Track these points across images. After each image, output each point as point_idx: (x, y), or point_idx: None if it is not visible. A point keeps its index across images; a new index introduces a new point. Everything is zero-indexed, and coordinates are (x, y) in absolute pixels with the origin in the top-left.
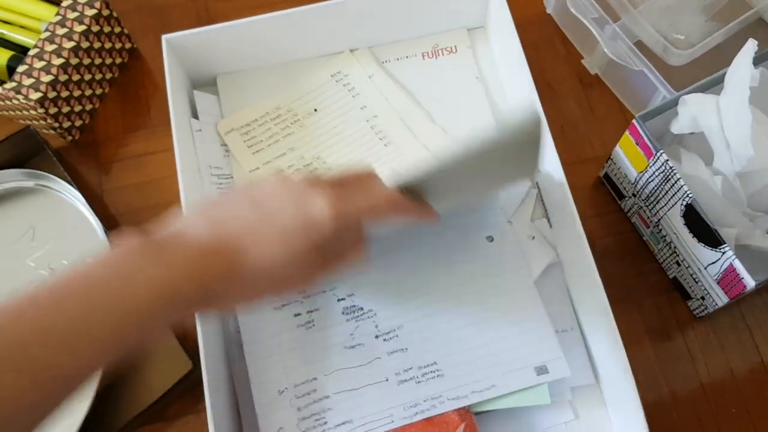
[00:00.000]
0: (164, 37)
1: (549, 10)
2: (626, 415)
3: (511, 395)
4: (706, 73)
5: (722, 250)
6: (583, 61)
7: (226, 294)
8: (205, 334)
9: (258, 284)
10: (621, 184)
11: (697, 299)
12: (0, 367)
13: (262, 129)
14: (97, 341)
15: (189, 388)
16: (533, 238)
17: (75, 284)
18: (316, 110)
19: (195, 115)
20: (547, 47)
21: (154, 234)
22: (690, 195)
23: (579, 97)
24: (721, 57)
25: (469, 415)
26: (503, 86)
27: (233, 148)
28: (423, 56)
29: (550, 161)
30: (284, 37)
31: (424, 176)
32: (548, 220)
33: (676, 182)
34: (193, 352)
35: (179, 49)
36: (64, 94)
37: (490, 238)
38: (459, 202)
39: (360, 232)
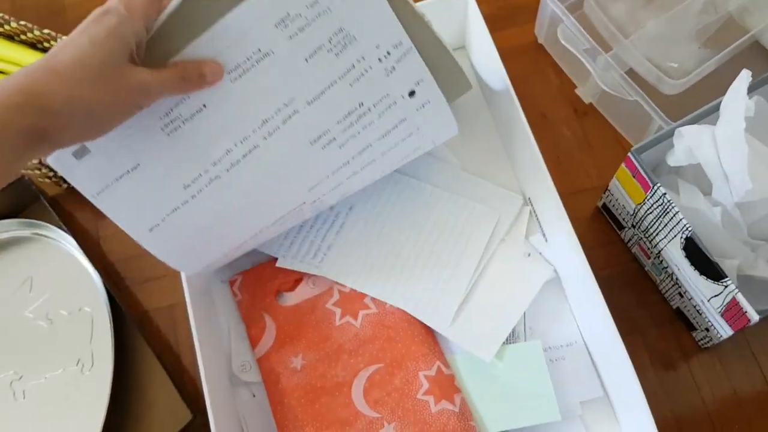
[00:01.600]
0: None
1: (540, 41)
2: (638, 426)
3: (521, 413)
4: (702, 100)
5: (724, 284)
6: (576, 90)
7: (55, 92)
8: (209, 381)
9: (76, 76)
10: (620, 215)
11: (702, 330)
12: None
13: None
14: None
15: None
16: (529, 255)
17: None
18: None
19: None
20: (540, 77)
21: None
22: (689, 228)
23: (574, 127)
24: (717, 83)
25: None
26: (499, 107)
27: None
28: None
29: (538, 171)
30: None
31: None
32: (543, 235)
33: (674, 215)
34: (192, 396)
35: None
36: None
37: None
38: None
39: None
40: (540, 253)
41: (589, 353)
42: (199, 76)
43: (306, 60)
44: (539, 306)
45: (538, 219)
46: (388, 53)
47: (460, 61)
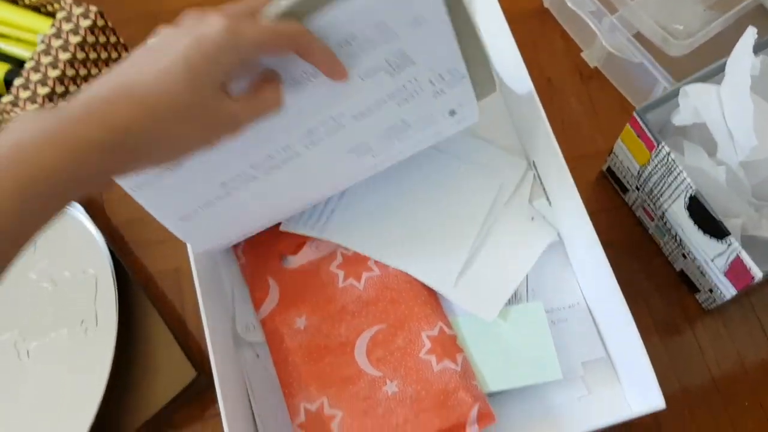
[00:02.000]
0: None
1: (546, 5)
2: (641, 386)
3: (522, 372)
4: (707, 62)
5: (728, 242)
6: (582, 54)
7: (141, 131)
8: (214, 341)
9: (167, 112)
10: (624, 177)
11: (705, 292)
12: None
13: None
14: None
15: (195, 395)
16: (533, 219)
17: None
18: None
19: None
20: (546, 42)
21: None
22: (693, 187)
23: (579, 92)
24: (722, 46)
25: (482, 395)
26: (506, 72)
27: None
28: None
29: (543, 135)
30: None
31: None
32: (547, 198)
33: (678, 174)
34: (197, 359)
35: None
36: None
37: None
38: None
39: (257, 66)
40: (544, 217)
41: (592, 315)
42: (275, 102)
43: (361, 78)
44: (542, 269)
45: (542, 183)
46: (441, 77)
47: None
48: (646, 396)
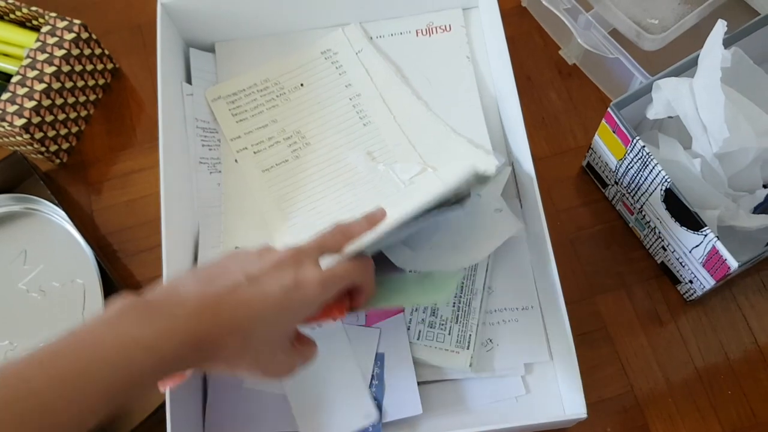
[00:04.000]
0: (160, 2)
1: (524, 3)
2: (570, 389)
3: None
4: (684, 55)
5: (704, 233)
6: (560, 51)
7: (220, 352)
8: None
9: (250, 342)
10: (603, 172)
11: (686, 283)
12: None
13: (248, 99)
14: (88, 400)
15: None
16: (500, 210)
17: (68, 346)
18: (302, 85)
19: (188, 81)
20: (525, 40)
21: (147, 295)
22: (668, 180)
23: (558, 88)
24: (699, 38)
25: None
26: (491, 68)
27: (218, 115)
28: (417, 33)
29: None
30: (282, 5)
31: (378, 240)
32: (520, 201)
33: (654, 168)
34: None
35: (176, 14)
36: (49, 118)
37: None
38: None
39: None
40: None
41: (543, 319)
42: (314, 355)
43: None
44: (503, 267)
45: (517, 184)
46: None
47: None
48: (573, 402)
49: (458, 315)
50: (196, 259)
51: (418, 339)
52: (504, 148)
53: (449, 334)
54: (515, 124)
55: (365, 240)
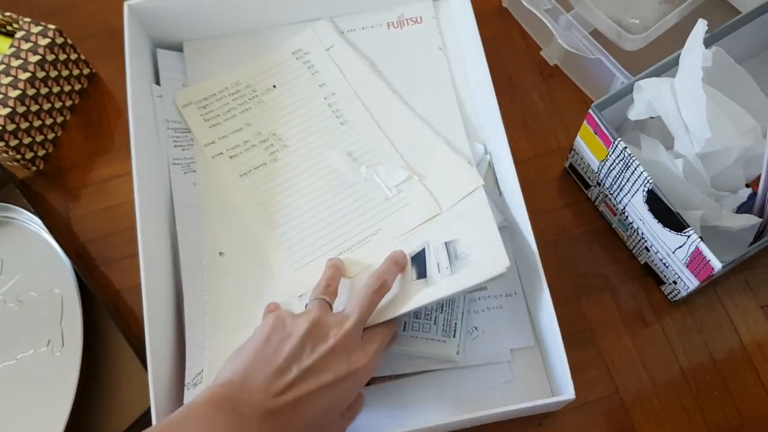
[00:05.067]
0: (126, 4)
1: (505, 4)
2: (558, 375)
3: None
4: (666, 55)
5: (687, 234)
6: (541, 52)
7: None
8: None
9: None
10: (585, 173)
11: (670, 284)
12: None
13: (220, 103)
14: None
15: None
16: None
17: None
18: (275, 86)
19: (157, 82)
20: (506, 41)
21: (221, 389)
22: (650, 181)
23: (540, 89)
24: (681, 38)
25: None
26: (464, 58)
27: (190, 121)
28: (388, 26)
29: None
30: (251, 1)
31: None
32: (498, 188)
33: (636, 169)
34: None
35: (143, 15)
36: (24, 125)
37: None
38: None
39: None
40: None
41: (527, 304)
42: (361, 408)
43: None
44: None
45: (495, 172)
46: None
47: None
48: (563, 385)
49: (443, 304)
50: (176, 261)
51: (404, 330)
52: (480, 137)
53: (435, 323)
54: (491, 113)
55: (400, 310)
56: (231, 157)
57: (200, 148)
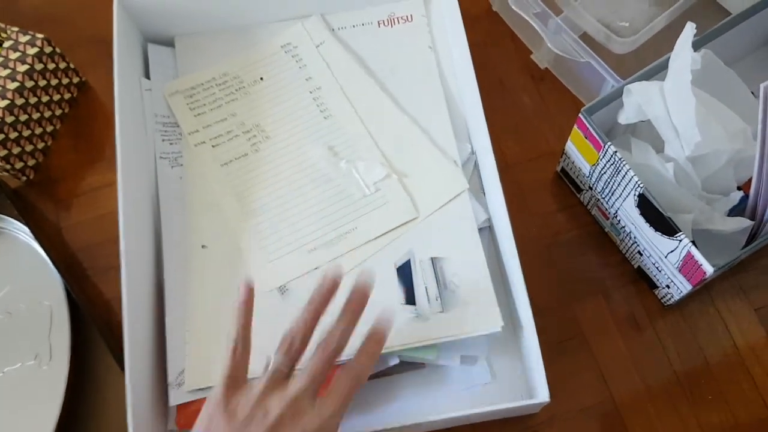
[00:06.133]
0: None
1: (495, 8)
2: (534, 377)
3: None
4: (657, 58)
5: (678, 238)
6: (532, 56)
7: None
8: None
9: None
10: (577, 177)
11: (663, 288)
12: None
13: (207, 93)
14: None
15: None
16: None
17: None
18: (262, 79)
19: (148, 77)
20: (496, 44)
21: None
22: (641, 185)
23: (531, 92)
24: (671, 40)
25: None
26: (453, 57)
27: (176, 110)
28: (379, 24)
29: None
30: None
31: None
32: (483, 190)
33: (627, 173)
34: None
35: (133, 9)
36: (13, 135)
37: None
38: None
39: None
40: (476, 199)
41: (504, 286)
42: None
43: None
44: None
45: (479, 172)
46: None
47: None
48: (538, 387)
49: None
50: (158, 254)
51: None
52: (467, 137)
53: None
54: (476, 114)
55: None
56: (213, 146)
57: (185, 138)
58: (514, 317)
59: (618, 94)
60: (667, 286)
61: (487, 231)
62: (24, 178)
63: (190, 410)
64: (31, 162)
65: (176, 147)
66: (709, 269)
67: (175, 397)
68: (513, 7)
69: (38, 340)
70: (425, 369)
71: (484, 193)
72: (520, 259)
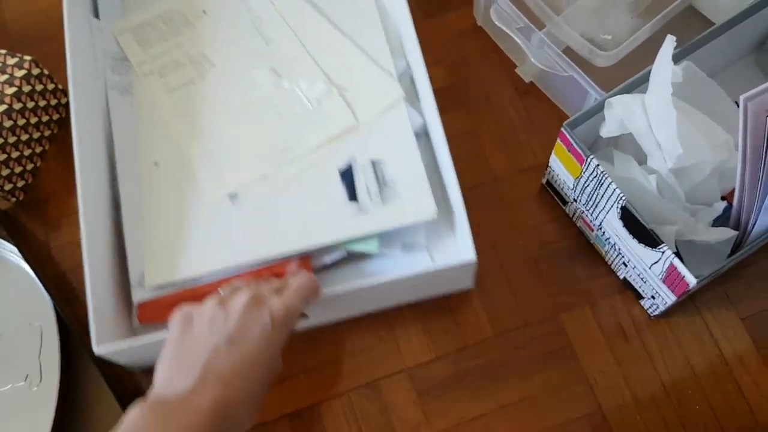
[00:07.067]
0: None
1: (479, 23)
2: (461, 240)
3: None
4: (641, 70)
5: (661, 250)
6: (517, 70)
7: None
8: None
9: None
10: (562, 190)
11: (649, 298)
12: None
13: (153, 28)
14: None
15: None
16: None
17: None
18: (205, 12)
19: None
20: (482, 59)
21: (153, 397)
22: (623, 197)
23: (517, 106)
24: (654, 53)
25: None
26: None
27: (125, 46)
28: None
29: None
30: None
31: None
32: (417, 96)
33: (609, 185)
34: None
35: None
36: (2, 157)
37: None
38: None
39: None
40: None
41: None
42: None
43: None
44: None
45: (415, 87)
46: None
47: None
48: (464, 249)
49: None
50: (113, 174)
51: None
52: (402, 53)
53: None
54: (407, 27)
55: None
56: (161, 75)
57: (134, 69)
58: (448, 206)
59: (600, 108)
60: (653, 297)
61: (423, 138)
62: (13, 199)
63: (149, 306)
64: (20, 183)
65: (127, 78)
66: (692, 280)
67: (137, 295)
68: (496, 23)
69: (28, 361)
70: (372, 261)
71: (419, 100)
72: (505, 268)
